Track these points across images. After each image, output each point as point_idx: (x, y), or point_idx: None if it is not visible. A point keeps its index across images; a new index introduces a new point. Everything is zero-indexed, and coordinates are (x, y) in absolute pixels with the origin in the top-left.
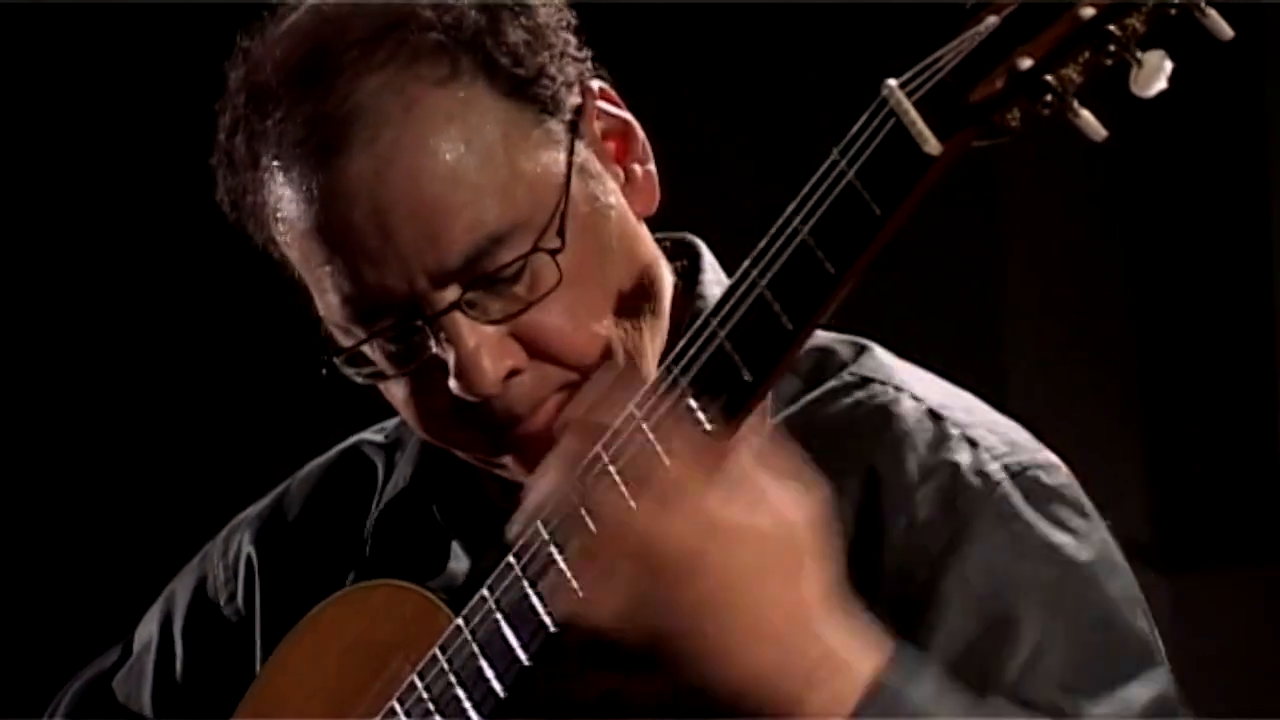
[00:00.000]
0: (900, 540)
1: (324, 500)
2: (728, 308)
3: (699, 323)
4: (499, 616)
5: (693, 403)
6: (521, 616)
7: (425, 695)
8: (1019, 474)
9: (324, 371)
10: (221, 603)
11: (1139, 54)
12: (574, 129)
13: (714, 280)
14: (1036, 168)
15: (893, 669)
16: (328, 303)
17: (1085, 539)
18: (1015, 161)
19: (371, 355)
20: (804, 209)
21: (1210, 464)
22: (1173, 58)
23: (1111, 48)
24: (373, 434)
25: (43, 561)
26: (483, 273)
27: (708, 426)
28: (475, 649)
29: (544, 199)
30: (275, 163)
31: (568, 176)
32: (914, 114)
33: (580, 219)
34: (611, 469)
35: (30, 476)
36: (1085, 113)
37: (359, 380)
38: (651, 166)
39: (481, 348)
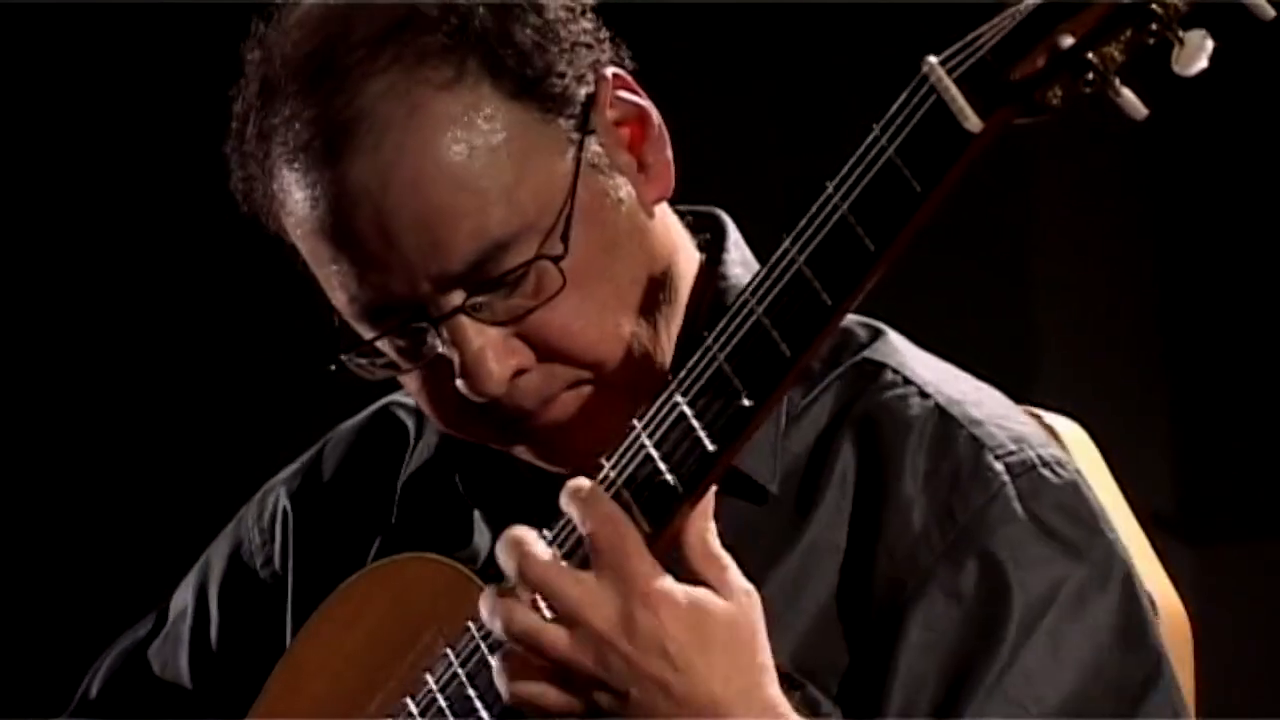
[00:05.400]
0: (895, 545)
1: (357, 460)
2: (767, 283)
3: (738, 301)
4: None
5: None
6: None
7: (459, 668)
8: (1022, 474)
9: (333, 368)
10: (258, 566)
11: (1181, 33)
12: (584, 124)
13: (738, 260)
14: (1067, 146)
15: None
16: (336, 299)
17: (1080, 554)
18: (1046, 140)
19: (383, 348)
20: (844, 185)
21: (1235, 435)
22: (1214, 37)
23: (1153, 26)
24: (404, 395)
25: (65, 547)
26: (487, 277)
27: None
28: None
29: (549, 202)
30: (283, 159)
31: (574, 179)
32: (955, 91)
33: (588, 217)
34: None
35: (55, 463)
36: (1126, 91)
37: (372, 375)
38: (668, 153)
39: (486, 349)
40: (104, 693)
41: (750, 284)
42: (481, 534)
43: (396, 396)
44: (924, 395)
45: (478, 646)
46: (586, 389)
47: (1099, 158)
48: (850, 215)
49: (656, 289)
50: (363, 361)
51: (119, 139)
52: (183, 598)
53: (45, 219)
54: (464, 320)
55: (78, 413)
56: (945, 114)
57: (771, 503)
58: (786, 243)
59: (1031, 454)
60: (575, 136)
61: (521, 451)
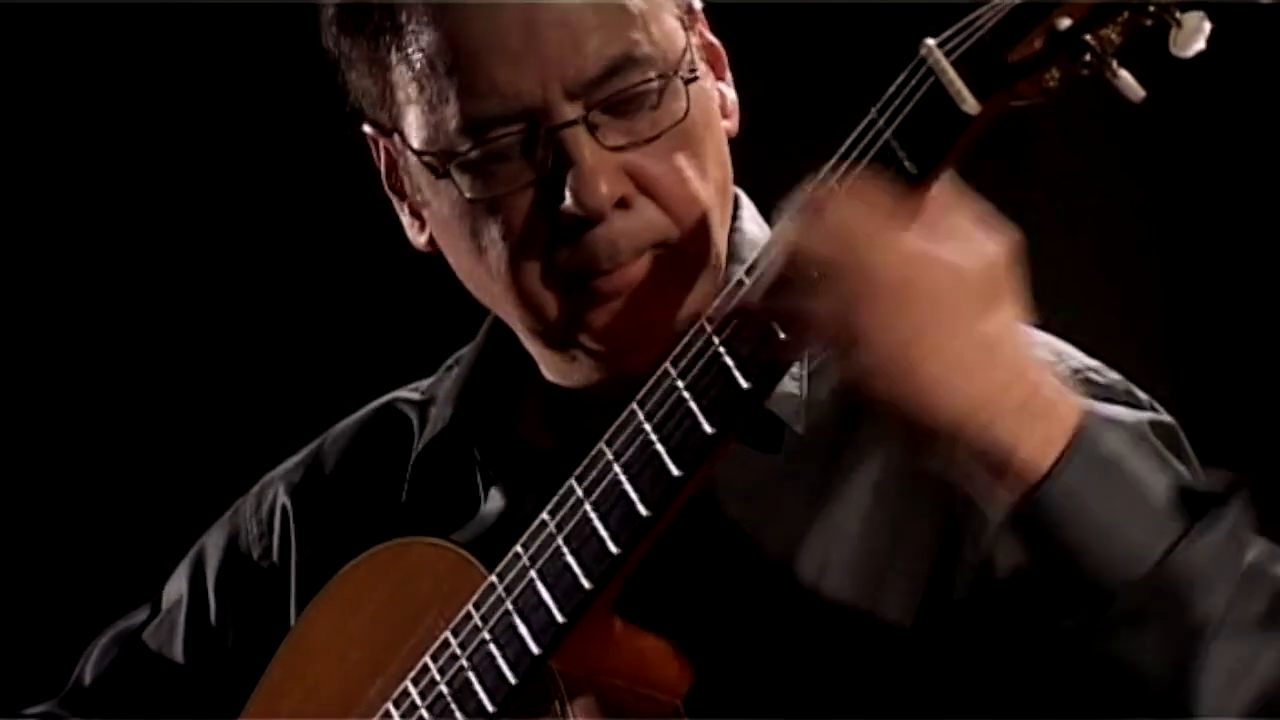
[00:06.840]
0: None
1: (359, 455)
2: (766, 263)
3: (735, 283)
4: (534, 575)
5: None
6: (557, 575)
7: (459, 652)
8: (1069, 377)
9: (442, 171)
10: (255, 556)
11: (1178, 14)
12: (688, 20)
13: (751, 217)
14: (1065, 129)
15: (1089, 416)
16: (441, 116)
17: (1146, 409)
18: (1044, 123)
19: (466, 185)
20: (841, 167)
21: (1241, 425)
22: (1211, 19)
23: (1151, 8)
24: (407, 392)
25: (59, 538)
26: (615, 91)
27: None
28: (510, 607)
29: (674, 49)
30: None
31: (688, 44)
32: (952, 73)
33: (697, 90)
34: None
35: (50, 455)
36: (1124, 73)
37: (470, 194)
38: (734, 94)
39: (599, 166)
40: (98, 677)
41: (749, 264)
42: (494, 504)
43: (398, 393)
44: None
45: (478, 630)
46: (665, 256)
47: (1098, 140)
48: None
49: (726, 192)
50: (455, 180)
51: (118, 139)
52: (176, 587)
53: (44, 216)
54: (581, 133)
55: (73, 405)
56: (943, 96)
57: (799, 446)
58: (784, 223)
59: (1075, 362)
60: (685, 21)
61: (584, 338)
